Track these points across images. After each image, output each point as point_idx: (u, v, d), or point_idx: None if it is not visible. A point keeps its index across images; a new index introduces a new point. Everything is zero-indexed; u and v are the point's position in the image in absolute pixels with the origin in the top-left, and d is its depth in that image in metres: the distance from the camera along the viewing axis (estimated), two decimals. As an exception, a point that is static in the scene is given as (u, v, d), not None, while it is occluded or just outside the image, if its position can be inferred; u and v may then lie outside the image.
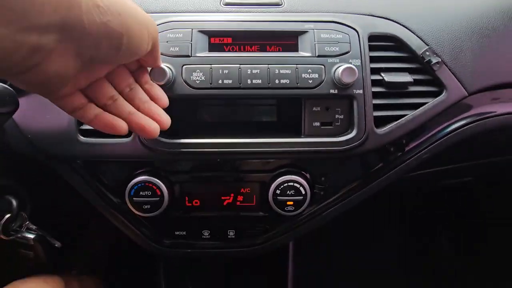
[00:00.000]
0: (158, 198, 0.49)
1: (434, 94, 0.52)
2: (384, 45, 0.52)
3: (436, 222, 1.15)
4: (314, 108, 0.50)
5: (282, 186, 0.50)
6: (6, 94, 0.37)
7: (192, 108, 0.55)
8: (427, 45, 0.52)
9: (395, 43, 0.52)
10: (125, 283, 0.92)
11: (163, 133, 0.47)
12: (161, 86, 0.45)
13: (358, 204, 0.56)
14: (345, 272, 1.08)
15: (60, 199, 0.62)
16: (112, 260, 0.95)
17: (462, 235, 1.12)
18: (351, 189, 0.55)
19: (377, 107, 0.50)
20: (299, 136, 0.50)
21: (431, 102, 0.52)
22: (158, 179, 0.49)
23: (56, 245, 0.60)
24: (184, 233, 0.54)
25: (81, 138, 0.47)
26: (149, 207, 0.49)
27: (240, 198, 0.53)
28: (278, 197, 0.50)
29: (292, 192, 0.50)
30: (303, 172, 0.52)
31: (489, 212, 1.07)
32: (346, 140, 0.49)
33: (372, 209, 1.10)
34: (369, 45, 0.51)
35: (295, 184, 0.50)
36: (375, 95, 0.50)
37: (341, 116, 0.50)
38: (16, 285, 0.53)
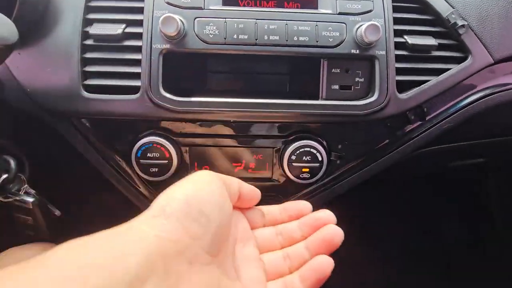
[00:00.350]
0: (166, 161, 0.47)
1: (458, 60, 0.50)
2: (408, 6, 0.49)
3: (442, 212, 1.14)
4: (333, 70, 0.47)
5: (298, 152, 0.47)
6: (5, 24, 0.34)
7: (203, 67, 0.52)
8: (453, 7, 0.49)
9: (420, 4, 0.50)
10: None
11: (172, 91, 0.44)
12: (171, 38, 0.42)
13: (372, 176, 0.53)
14: (350, 262, 1.06)
15: (60, 162, 0.58)
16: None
17: (469, 225, 1.11)
18: (368, 159, 0.52)
19: (399, 71, 0.47)
20: (316, 99, 0.47)
21: (455, 68, 0.49)
22: (167, 141, 0.46)
23: (56, 213, 0.57)
24: (192, 200, 0.51)
25: (85, 93, 0.44)
26: (156, 170, 0.47)
27: (252, 165, 0.50)
28: (293, 163, 0.48)
29: (308, 158, 0.48)
30: (319, 139, 0.49)
31: (497, 201, 1.05)
32: (367, 104, 0.46)
33: (377, 197, 1.09)
34: (393, 6, 0.48)
35: (312, 150, 0.47)
36: (398, 58, 0.47)
37: (362, 79, 0.48)
38: (14, 251, 0.51)
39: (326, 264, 0.32)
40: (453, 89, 0.50)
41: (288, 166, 0.48)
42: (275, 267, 0.33)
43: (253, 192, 0.36)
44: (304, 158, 0.48)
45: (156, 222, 0.26)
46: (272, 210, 0.38)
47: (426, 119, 0.51)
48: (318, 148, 0.48)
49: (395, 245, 1.11)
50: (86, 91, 0.44)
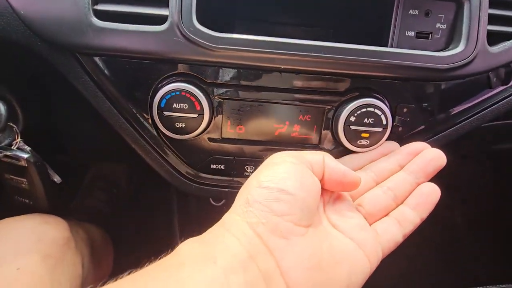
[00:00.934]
0: (196, 115, 0.37)
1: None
2: None
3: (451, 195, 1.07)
4: (411, 11, 0.38)
5: (359, 112, 0.38)
6: None
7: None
8: None
9: None
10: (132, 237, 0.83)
11: (207, 26, 0.35)
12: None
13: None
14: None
15: (62, 114, 0.49)
16: (117, 208, 0.84)
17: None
18: (434, 127, 0.43)
19: (490, 19, 0.38)
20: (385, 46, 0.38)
21: (556, 19, 0.39)
22: (198, 90, 0.37)
23: (56, 180, 0.48)
24: (223, 167, 0.42)
25: (96, 21, 0.34)
26: (183, 125, 0.38)
27: (296, 127, 0.41)
28: (351, 126, 0.39)
29: (371, 120, 0.39)
30: (381, 97, 0.40)
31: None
32: (451, 56, 0.37)
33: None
34: None
35: (377, 111, 0.38)
36: (491, 2, 0.38)
37: (444, 26, 0.38)
38: (7, 223, 0.42)
39: (433, 190, 0.33)
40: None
41: (344, 130, 0.39)
42: (378, 205, 0.33)
43: (340, 174, 0.32)
44: (365, 120, 0.39)
45: (244, 210, 0.28)
46: (357, 157, 0.39)
47: (511, 83, 0.42)
48: (383, 109, 0.39)
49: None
50: (98, 18, 0.34)
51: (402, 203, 0.34)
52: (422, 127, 0.42)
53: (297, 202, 0.28)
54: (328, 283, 0.27)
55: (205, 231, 0.28)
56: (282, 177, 0.28)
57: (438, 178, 0.35)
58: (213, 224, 0.29)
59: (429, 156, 0.35)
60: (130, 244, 0.76)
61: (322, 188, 0.31)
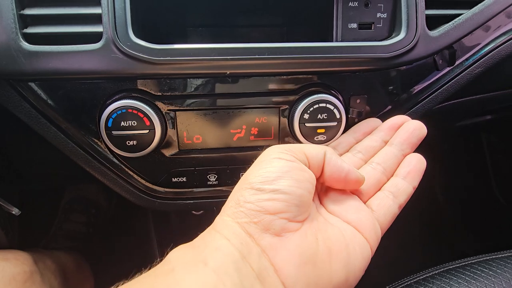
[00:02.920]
0: (147, 131, 0.36)
1: (492, -10, 0.42)
2: None
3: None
4: (350, 4, 0.38)
5: (311, 109, 0.38)
6: None
7: (182, 14, 0.41)
8: None
9: None
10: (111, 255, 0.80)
11: (147, 39, 0.34)
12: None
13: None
14: None
15: (13, 144, 0.46)
16: (93, 229, 0.82)
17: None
18: (389, 115, 0.44)
19: (427, 4, 0.39)
20: (330, 41, 0.38)
21: (490, -2, 0.41)
22: (146, 105, 0.36)
23: (14, 212, 0.46)
24: (184, 179, 0.41)
25: (26, 45, 0.33)
26: (135, 143, 0.36)
27: (254, 130, 0.41)
28: (306, 124, 0.39)
29: (324, 116, 0.39)
30: (334, 92, 0.40)
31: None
32: (393, 44, 0.38)
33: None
34: None
35: (328, 106, 0.39)
36: (426, -13, 0.38)
37: (384, 15, 0.39)
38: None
39: (420, 159, 0.34)
40: (485, 24, 0.42)
41: (300, 128, 0.39)
42: (369, 182, 0.33)
43: (343, 173, 0.31)
44: (319, 116, 0.39)
45: (234, 211, 0.27)
46: (342, 141, 0.39)
47: (456, 63, 0.43)
48: (335, 103, 0.39)
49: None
50: (28, 42, 0.33)
51: (392, 175, 0.34)
52: (377, 115, 0.43)
53: (294, 200, 0.27)
54: (324, 276, 0.26)
55: (188, 241, 0.27)
56: (275, 177, 0.27)
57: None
58: (195, 233, 0.28)
59: (411, 128, 0.36)
60: (109, 266, 0.74)
61: (318, 181, 0.31)
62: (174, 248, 0.26)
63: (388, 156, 0.34)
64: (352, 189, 0.33)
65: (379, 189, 0.33)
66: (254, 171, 0.29)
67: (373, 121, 0.40)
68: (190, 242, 0.27)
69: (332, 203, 0.32)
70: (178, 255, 0.25)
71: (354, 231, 0.29)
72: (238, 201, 0.27)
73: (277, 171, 0.28)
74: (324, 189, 0.33)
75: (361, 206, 0.32)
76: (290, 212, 0.27)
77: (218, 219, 0.28)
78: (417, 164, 0.34)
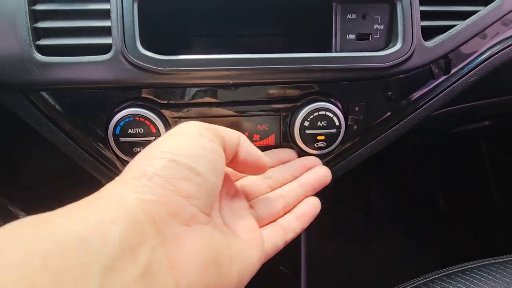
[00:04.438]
0: (153, 138, 0.38)
1: (486, 2, 0.43)
2: None
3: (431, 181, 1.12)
4: (348, 16, 0.39)
5: (311, 116, 0.40)
6: None
7: (187, 24, 0.42)
8: None
9: None
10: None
11: (154, 50, 0.35)
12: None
13: (393, 142, 0.47)
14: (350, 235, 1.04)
15: (20, 151, 0.48)
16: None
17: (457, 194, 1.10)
18: (387, 122, 0.45)
19: (423, 16, 0.40)
20: (330, 51, 0.40)
21: (483, 9, 0.42)
22: (152, 113, 0.37)
23: (21, 217, 0.47)
24: (188, 184, 0.43)
25: (39, 56, 0.34)
26: (141, 149, 0.38)
27: (256, 137, 0.42)
28: (306, 131, 0.40)
29: (324, 123, 0.40)
30: (333, 100, 0.42)
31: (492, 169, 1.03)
32: (390, 54, 0.39)
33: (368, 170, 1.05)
34: None
35: (328, 113, 0.40)
36: (421, 0, 0.40)
37: (381, 27, 0.40)
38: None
39: (317, 203, 0.35)
40: (481, 34, 0.43)
41: (300, 135, 0.40)
42: (269, 210, 0.33)
43: (255, 157, 0.30)
44: (319, 123, 0.40)
45: (136, 184, 0.22)
46: None
47: (451, 72, 0.45)
48: (334, 111, 0.40)
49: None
50: (40, 53, 0.34)
51: (289, 211, 0.34)
52: (375, 122, 0.45)
53: (205, 187, 0.24)
54: (222, 279, 0.24)
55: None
56: (196, 154, 0.24)
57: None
58: None
59: (320, 173, 0.37)
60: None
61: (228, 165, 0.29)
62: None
63: (292, 192, 0.35)
64: (259, 174, 0.32)
65: (274, 220, 0.33)
66: (170, 141, 0.24)
67: (290, 152, 0.42)
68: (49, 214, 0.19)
69: (231, 216, 0.29)
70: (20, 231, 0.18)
71: (247, 247, 0.28)
72: (145, 172, 0.22)
73: (198, 147, 0.24)
74: (227, 200, 0.31)
75: (256, 229, 0.30)
76: (201, 199, 0.23)
77: (108, 190, 0.22)
78: (312, 208, 0.35)
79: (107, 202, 0.21)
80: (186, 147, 0.24)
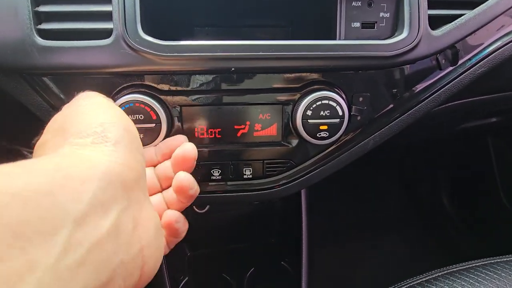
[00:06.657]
0: (153, 125, 0.37)
1: (495, -9, 0.42)
2: None
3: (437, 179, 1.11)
4: (354, 3, 0.39)
5: (314, 105, 0.39)
6: None
7: (188, 11, 0.42)
8: None
9: None
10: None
11: (156, 37, 0.35)
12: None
13: (396, 134, 0.46)
14: (355, 225, 1.03)
15: (20, 136, 0.48)
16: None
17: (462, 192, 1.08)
18: (391, 114, 0.45)
19: (430, 5, 0.39)
20: (333, 39, 0.39)
21: (493, -1, 0.41)
22: (153, 99, 0.37)
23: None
24: (188, 173, 0.42)
25: (40, 40, 0.34)
26: (142, 136, 0.37)
27: (258, 126, 0.42)
28: (309, 120, 0.40)
29: (327, 112, 0.40)
30: (337, 89, 0.41)
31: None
32: (396, 43, 0.38)
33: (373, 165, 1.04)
34: None
35: (331, 103, 0.39)
36: (428, -13, 0.39)
37: (387, 15, 0.39)
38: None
39: (186, 176, 0.35)
40: (489, 25, 0.42)
41: (302, 124, 0.40)
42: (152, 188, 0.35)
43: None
44: (322, 113, 0.40)
45: (104, 149, 0.22)
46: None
47: (459, 63, 0.44)
48: (338, 100, 0.39)
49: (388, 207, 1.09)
50: (41, 37, 0.34)
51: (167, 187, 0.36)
52: (380, 113, 0.44)
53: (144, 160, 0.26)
54: (162, 241, 0.28)
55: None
56: (133, 126, 0.27)
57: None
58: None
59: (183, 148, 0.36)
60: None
61: None
62: None
63: (167, 173, 0.35)
64: None
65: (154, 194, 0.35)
66: (104, 108, 0.26)
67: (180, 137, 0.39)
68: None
69: None
70: None
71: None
72: (104, 136, 0.23)
73: (130, 121, 0.27)
74: None
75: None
76: (145, 171, 0.26)
77: (66, 150, 0.22)
78: (181, 181, 0.34)
79: (72, 161, 0.21)
80: (125, 118, 0.26)
